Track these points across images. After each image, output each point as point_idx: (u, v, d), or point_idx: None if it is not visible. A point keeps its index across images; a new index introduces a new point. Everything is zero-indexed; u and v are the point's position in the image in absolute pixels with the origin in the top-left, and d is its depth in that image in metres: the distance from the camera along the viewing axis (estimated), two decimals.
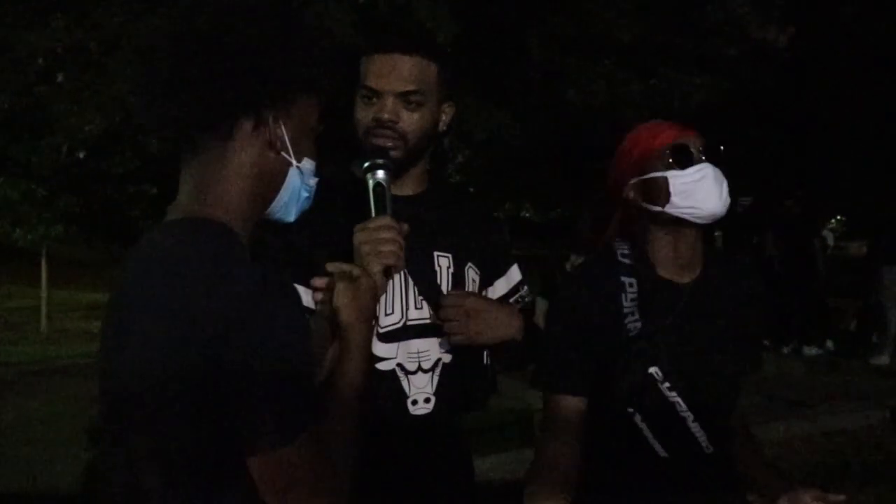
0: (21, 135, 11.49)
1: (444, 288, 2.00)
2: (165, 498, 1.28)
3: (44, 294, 14.33)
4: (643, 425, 1.95)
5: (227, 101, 1.35)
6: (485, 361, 2.07)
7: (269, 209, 1.46)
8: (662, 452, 1.97)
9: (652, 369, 1.93)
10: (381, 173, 1.83)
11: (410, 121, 1.94)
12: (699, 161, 1.93)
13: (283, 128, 1.40)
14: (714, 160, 1.94)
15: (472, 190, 13.08)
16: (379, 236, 1.74)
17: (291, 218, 1.50)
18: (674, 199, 1.92)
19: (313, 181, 1.50)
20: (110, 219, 14.98)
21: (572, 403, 1.96)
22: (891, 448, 6.53)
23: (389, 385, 1.93)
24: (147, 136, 8.91)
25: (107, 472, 1.37)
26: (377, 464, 1.65)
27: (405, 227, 1.78)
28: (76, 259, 20.24)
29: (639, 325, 1.93)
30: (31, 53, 9.16)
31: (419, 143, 1.97)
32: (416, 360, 1.96)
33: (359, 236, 1.75)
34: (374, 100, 1.94)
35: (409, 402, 1.94)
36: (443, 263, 2.01)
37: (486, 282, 2.09)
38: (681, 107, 11.30)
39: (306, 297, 1.80)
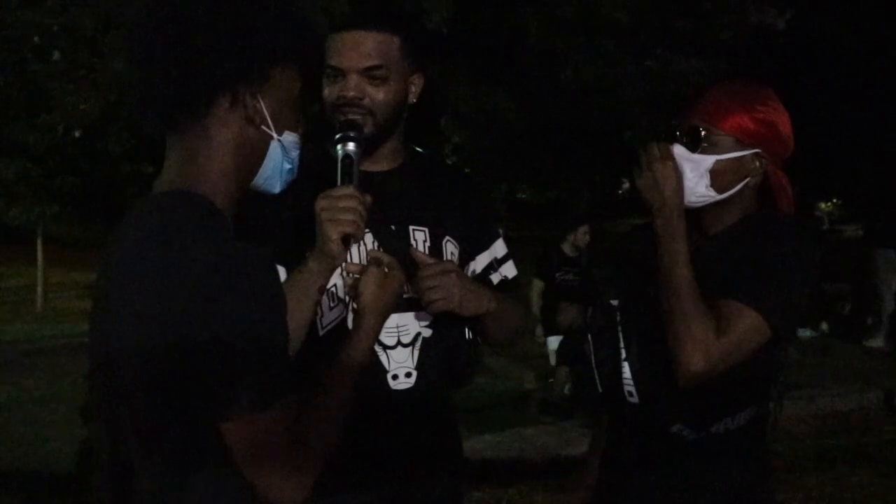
0: (17, 114, 11.46)
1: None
2: (145, 469, 1.29)
3: (40, 273, 14.34)
4: (591, 349, 2.03)
5: (201, 81, 1.34)
6: (467, 336, 2.06)
7: (253, 182, 1.46)
8: (599, 387, 2.03)
9: (615, 301, 2.00)
10: (351, 145, 1.84)
11: (376, 96, 1.93)
12: (675, 143, 1.92)
13: (261, 102, 1.40)
14: (687, 144, 1.90)
15: (468, 171, 13.07)
16: (339, 204, 1.73)
17: (276, 189, 1.50)
18: None
19: (296, 153, 1.49)
20: (107, 198, 14.95)
21: None
22: (884, 430, 6.56)
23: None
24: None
25: (98, 448, 1.39)
26: (359, 439, 1.65)
27: (368, 198, 1.78)
28: (72, 238, 20.24)
29: (644, 266, 1.99)
30: (26, 31, 9.12)
31: (389, 118, 1.96)
32: (395, 334, 1.95)
33: (320, 203, 1.75)
34: (339, 78, 1.94)
35: (388, 376, 1.94)
36: (419, 237, 2.00)
37: (468, 255, 2.07)
38: (676, 89, 11.29)
39: (283, 275, 1.79)
